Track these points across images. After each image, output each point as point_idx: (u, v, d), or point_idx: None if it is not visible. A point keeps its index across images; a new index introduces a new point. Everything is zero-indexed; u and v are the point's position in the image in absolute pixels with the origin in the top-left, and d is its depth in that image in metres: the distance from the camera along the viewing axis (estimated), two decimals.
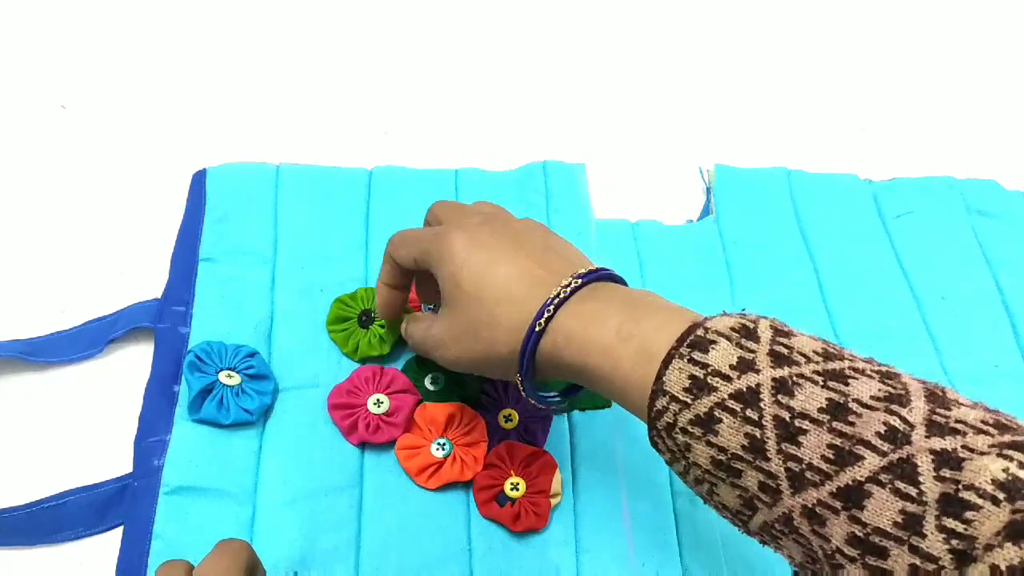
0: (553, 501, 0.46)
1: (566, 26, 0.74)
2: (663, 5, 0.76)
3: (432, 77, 0.68)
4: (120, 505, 0.45)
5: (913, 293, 0.57)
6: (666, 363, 0.33)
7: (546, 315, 0.37)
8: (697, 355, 0.33)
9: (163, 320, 0.51)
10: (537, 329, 0.37)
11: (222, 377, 0.47)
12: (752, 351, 0.32)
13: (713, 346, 0.32)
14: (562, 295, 0.37)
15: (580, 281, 0.38)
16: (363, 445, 0.47)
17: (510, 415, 0.48)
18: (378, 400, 0.47)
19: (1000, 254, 0.60)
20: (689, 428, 0.32)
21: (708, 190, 0.63)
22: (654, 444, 0.35)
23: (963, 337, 0.55)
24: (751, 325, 0.33)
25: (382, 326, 0.50)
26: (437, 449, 0.46)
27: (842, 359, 0.31)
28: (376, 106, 0.66)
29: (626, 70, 0.71)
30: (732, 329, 0.33)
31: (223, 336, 0.50)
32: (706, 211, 0.62)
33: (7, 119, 0.61)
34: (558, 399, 0.43)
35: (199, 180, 0.58)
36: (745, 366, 0.31)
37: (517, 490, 0.45)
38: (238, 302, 0.52)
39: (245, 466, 0.46)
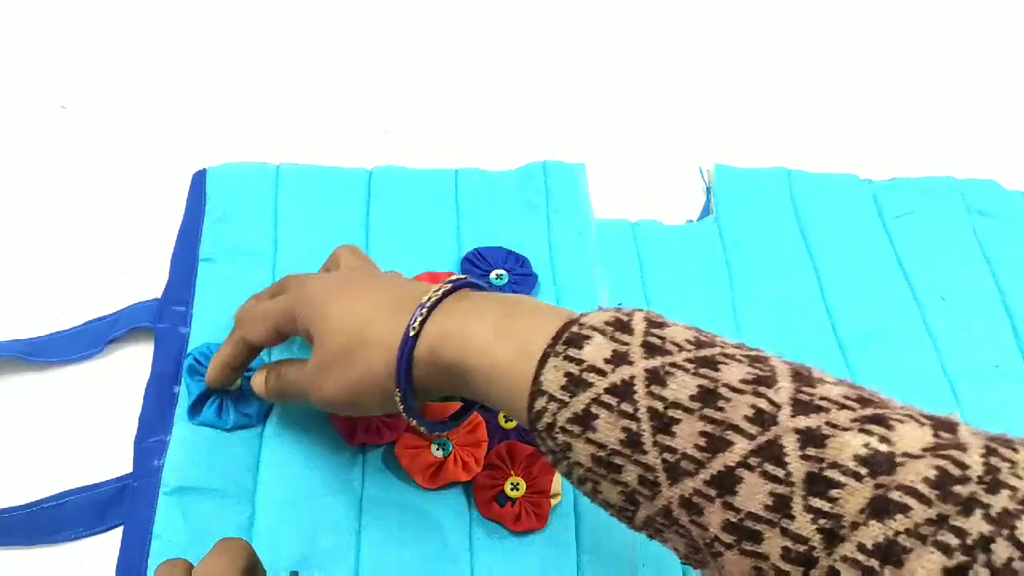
0: (553, 501, 0.46)
1: (566, 26, 0.74)
2: (663, 5, 0.76)
3: (432, 77, 0.68)
4: (120, 505, 0.45)
5: (913, 293, 0.57)
6: (543, 361, 0.33)
7: (419, 318, 0.36)
8: (572, 351, 0.32)
9: (163, 320, 0.51)
10: (411, 333, 0.36)
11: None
12: (626, 343, 0.31)
13: (587, 341, 0.32)
14: (433, 298, 0.37)
15: (450, 285, 0.38)
16: (363, 446, 0.47)
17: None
18: None
19: (1000, 254, 0.60)
20: (568, 427, 0.32)
21: (708, 190, 0.63)
22: (536, 446, 0.35)
23: (963, 337, 0.55)
24: (625, 318, 0.33)
25: None
26: (438, 449, 0.46)
27: (713, 346, 0.31)
28: (376, 106, 0.66)
29: (626, 70, 0.71)
30: (607, 323, 0.33)
31: (223, 337, 0.50)
32: (706, 211, 0.62)
33: (7, 119, 0.61)
34: (450, 425, 0.42)
35: (199, 180, 0.58)
36: (619, 359, 0.31)
37: (517, 490, 0.45)
38: (238, 302, 0.51)
39: (245, 466, 0.46)
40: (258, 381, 0.45)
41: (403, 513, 0.45)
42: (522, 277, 0.54)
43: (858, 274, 0.58)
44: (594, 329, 0.32)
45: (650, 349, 0.31)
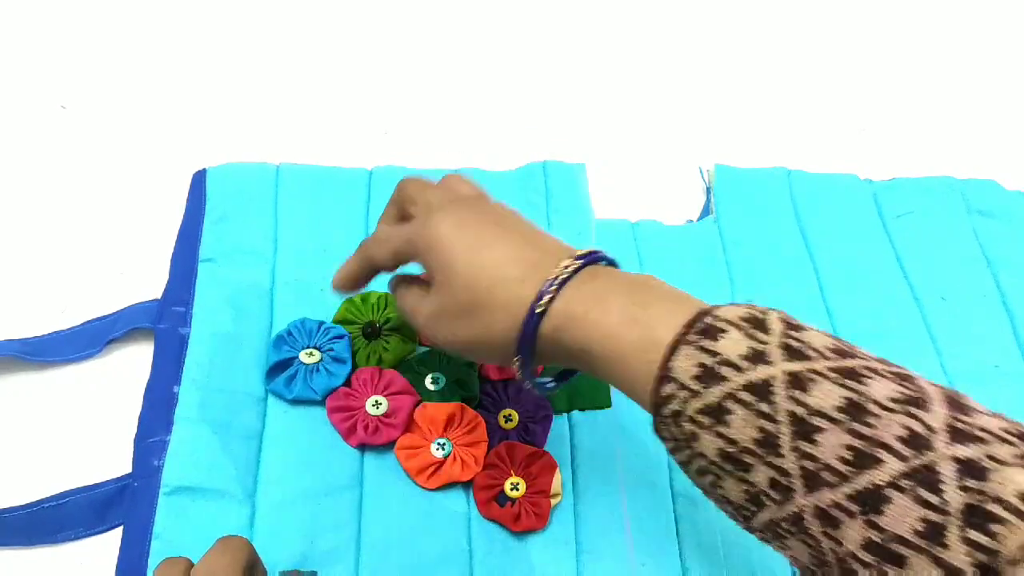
0: (553, 501, 0.46)
1: (566, 26, 0.73)
2: (663, 5, 0.76)
3: (432, 77, 0.68)
4: (120, 505, 0.45)
5: (913, 293, 0.57)
6: (673, 349, 0.32)
7: (547, 297, 0.36)
8: (707, 343, 0.32)
9: (163, 320, 0.51)
10: (538, 311, 0.36)
11: (303, 355, 0.49)
12: (763, 343, 0.31)
13: (723, 334, 0.32)
14: (562, 276, 0.36)
15: (580, 262, 0.37)
16: (362, 446, 0.47)
17: (510, 415, 0.48)
18: (376, 402, 0.47)
19: (1000, 254, 0.60)
20: (697, 417, 0.32)
21: (708, 190, 0.63)
22: (657, 431, 0.35)
23: (963, 337, 0.55)
24: (761, 316, 0.32)
25: (386, 347, 0.50)
26: (437, 449, 0.46)
27: (855, 356, 0.31)
28: (376, 106, 0.66)
29: (626, 70, 0.71)
30: (742, 319, 0.32)
31: (222, 336, 0.50)
32: (706, 211, 0.62)
33: (7, 119, 0.61)
34: (552, 384, 0.42)
35: (199, 180, 0.58)
36: (757, 357, 0.31)
37: (517, 490, 0.45)
38: (238, 303, 0.52)
39: (245, 466, 0.46)
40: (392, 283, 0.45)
41: (403, 513, 0.45)
42: None
43: (858, 274, 0.58)
44: (729, 323, 0.32)
45: (790, 352, 0.31)
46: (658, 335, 0.33)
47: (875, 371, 0.30)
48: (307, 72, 0.67)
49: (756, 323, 0.32)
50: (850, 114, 0.71)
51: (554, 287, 0.36)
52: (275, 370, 0.49)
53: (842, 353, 0.31)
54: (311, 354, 0.49)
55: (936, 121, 0.71)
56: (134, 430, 0.47)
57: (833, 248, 0.59)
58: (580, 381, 0.47)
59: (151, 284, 0.53)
